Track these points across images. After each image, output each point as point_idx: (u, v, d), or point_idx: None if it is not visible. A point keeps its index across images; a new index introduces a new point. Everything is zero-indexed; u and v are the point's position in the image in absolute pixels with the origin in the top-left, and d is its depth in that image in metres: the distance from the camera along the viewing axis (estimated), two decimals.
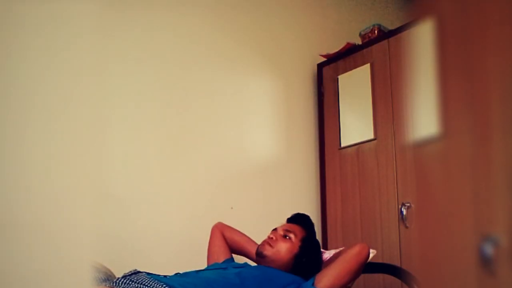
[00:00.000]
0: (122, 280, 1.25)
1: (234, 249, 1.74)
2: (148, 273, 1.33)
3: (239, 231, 1.77)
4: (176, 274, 1.41)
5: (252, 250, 1.67)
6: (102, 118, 1.81)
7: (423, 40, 0.60)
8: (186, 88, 2.09)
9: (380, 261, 2.03)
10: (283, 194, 2.35)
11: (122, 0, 1.93)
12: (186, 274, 1.41)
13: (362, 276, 1.91)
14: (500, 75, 0.51)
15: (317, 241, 1.67)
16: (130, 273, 1.32)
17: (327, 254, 1.72)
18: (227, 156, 2.17)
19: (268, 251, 1.52)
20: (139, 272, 1.33)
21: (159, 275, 1.34)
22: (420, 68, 0.60)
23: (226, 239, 1.75)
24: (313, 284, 1.40)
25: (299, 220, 1.67)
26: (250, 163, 2.25)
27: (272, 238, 1.56)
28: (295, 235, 1.58)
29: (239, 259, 1.77)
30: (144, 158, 1.90)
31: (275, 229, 1.62)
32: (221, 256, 1.69)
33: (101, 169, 1.78)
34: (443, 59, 0.57)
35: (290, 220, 1.68)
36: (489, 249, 0.47)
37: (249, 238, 1.75)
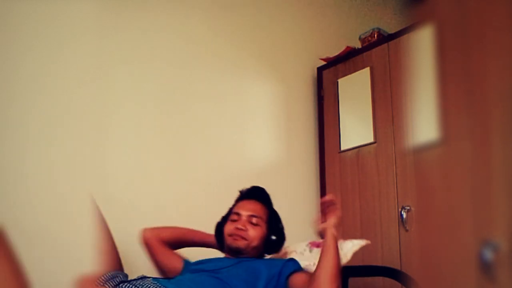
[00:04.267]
0: (127, 285, 1.24)
1: (179, 246, 1.62)
2: (154, 278, 1.32)
3: (172, 227, 1.64)
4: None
5: (202, 238, 1.61)
6: (102, 121, 1.81)
7: (423, 44, 0.60)
8: (187, 91, 2.09)
9: (380, 264, 2.03)
10: (283, 198, 2.34)
11: (122, 1, 1.93)
12: (183, 279, 1.39)
13: (362, 279, 1.91)
14: (499, 80, 0.51)
15: (276, 212, 1.59)
16: (136, 278, 1.31)
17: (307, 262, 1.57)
18: (227, 160, 2.17)
19: (243, 245, 1.47)
20: (145, 277, 1.32)
21: (164, 279, 1.33)
22: (419, 72, 0.60)
23: (166, 241, 1.58)
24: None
25: (257, 196, 1.58)
26: (250, 167, 2.25)
27: (241, 229, 1.48)
28: (261, 218, 1.52)
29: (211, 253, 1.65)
30: (145, 161, 1.90)
31: (237, 214, 1.52)
32: (177, 265, 1.54)
33: (102, 173, 1.77)
34: (442, 63, 0.57)
35: (245, 196, 1.58)
36: (489, 254, 0.47)
37: (185, 228, 1.65)
